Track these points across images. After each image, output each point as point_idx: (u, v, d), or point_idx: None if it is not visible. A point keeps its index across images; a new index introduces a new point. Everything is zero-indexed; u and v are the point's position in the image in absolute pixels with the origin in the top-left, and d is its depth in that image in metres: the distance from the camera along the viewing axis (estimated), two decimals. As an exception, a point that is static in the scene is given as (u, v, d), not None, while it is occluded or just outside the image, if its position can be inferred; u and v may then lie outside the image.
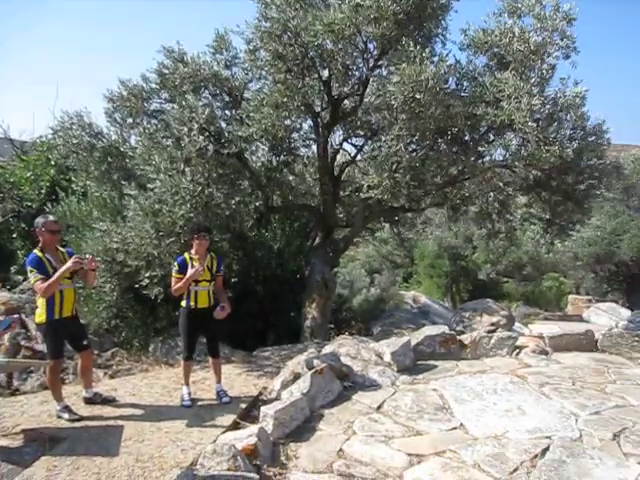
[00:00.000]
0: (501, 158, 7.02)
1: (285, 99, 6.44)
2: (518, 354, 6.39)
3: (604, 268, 19.03)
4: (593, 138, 7.14)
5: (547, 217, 7.59)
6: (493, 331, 6.94)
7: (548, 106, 6.72)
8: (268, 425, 4.07)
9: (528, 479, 3.49)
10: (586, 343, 6.70)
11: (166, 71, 7.31)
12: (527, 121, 5.75)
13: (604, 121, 7.21)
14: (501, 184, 7.07)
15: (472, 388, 5.20)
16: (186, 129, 6.38)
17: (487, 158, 6.94)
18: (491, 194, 7.49)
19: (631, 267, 18.08)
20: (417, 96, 5.78)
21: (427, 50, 6.09)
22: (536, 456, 3.81)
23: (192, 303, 5.12)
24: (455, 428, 4.35)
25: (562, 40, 6.64)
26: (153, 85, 7.52)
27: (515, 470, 3.62)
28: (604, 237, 17.96)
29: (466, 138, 6.79)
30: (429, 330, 6.51)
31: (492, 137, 6.72)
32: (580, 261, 19.06)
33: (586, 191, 7.25)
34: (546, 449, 3.91)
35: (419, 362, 6.02)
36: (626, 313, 13.71)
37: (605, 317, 14.90)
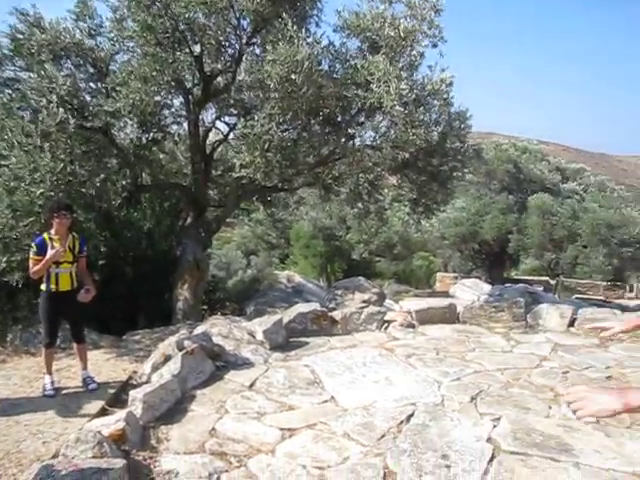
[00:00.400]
0: (371, 140, 7.24)
1: (154, 73, 6.19)
2: (387, 328, 6.69)
3: (469, 247, 20.30)
4: (457, 123, 7.56)
5: (414, 197, 7.95)
6: (364, 308, 7.20)
7: (416, 91, 7.00)
8: (137, 409, 3.95)
9: (394, 443, 3.66)
10: (449, 316, 7.15)
11: (20, 36, 6.73)
12: (395, 104, 5.96)
13: (467, 108, 7.65)
14: (371, 165, 7.30)
15: (342, 362, 5.37)
16: (45, 101, 5.94)
17: (358, 139, 7.13)
18: (361, 175, 7.70)
19: (492, 246, 19.43)
20: (292, 76, 5.80)
21: (303, 31, 6.12)
22: (402, 422, 4.02)
23: (53, 286, 4.81)
24: (326, 401, 4.47)
25: (430, 29, 6.92)
26: (5, 51, 6.90)
27: (382, 436, 3.79)
28: (469, 218, 19.11)
29: (338, 119, 6.92)
30: (301, 308, 6.61)
31: (362, 119, 6.90)
32: (447, 240, 20.17)
33: (450, 173, 7.68)
34: (411, 415, 4.14)
35: (291, 339, 6.11)
36: (487, 288, 14.69)
37: (469, 292, 15.85)
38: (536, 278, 21.55)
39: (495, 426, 3.99)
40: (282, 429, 3.91)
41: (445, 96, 7.28)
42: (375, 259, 21.73)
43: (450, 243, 20.47)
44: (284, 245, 22.58)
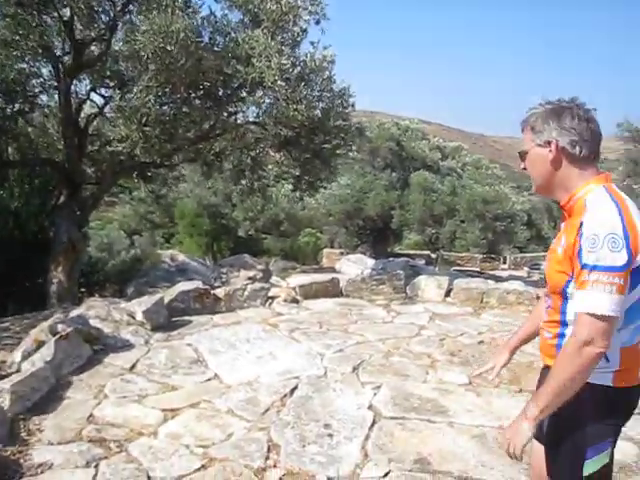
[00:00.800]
0: (254, 116, 7.17)
1: (17, 37, 5.71)
2: (271, 304, 6.72)
3: (354, 223, 20.79)
4: (340, 101, 7.64)
5: (297, 174, 7.99)
6: (249, 285, 7.18)
7: (299, 67, 7.02)
8: (5, 401, 3.68)
9: (278, 417, 3.71)
10: (332, 290, 7.30)
11: None
12: (277, 80, 5.93)
13: (349, 86, 7.74)
14: (253, 141, 7.23)
15: (226, 339, 5.33)
16: None
17: (240, 115, 7.03)
18: (244, 151, 7.62)
19: (376, 222, 20.03)
20: (168, 47, 5.57)
21: (179, 0, 5.89)
22: (285, 396, 4.07)
23: None
24: (210, 379, 4.42)
25: (312, 6, 6.91)
26: None
27: (267, 410, 3.81)
28: (353, 195, 19.55)
29: (219, 94, 6.77)
30: (183, 286, 6.46)
31: (244, 94, 6.80)
32: (332, 217, 20.55)
33: (332, 150, 7.77)
34: (295, 388, 4.20)
35: (174, 318, 5.96)
36: (371, 262, 15.17)
37: (354, 267, 16.25)
38: (418, 252, 22.53)
39: (376, 394, 4.15)
40: (164, 410, 3.82)
41: (327, 73, 7.33)
42: (262, 236, 21.69)
43: (336, 219, 20.85)
44: (169, 224, 21.94)
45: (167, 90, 6.33)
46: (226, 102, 6.79)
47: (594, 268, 1.59)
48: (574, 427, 1.80)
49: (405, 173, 19.04)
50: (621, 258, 1.57)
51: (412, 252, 23.28)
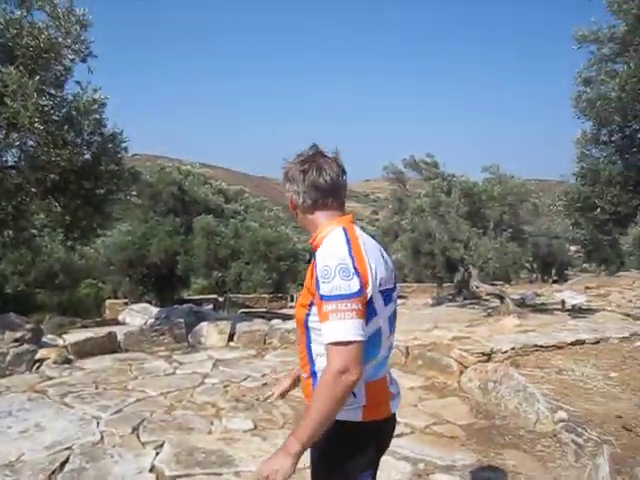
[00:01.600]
0: (14, 160, 6.49)
1: None
2: (39, 368, 6.05)
3: (137, 271, 19.85)
4: (111, 145, 7.30)
5: (67, 222, 7.39)
6: (12, 348, 6.41)
7: (64, 110, 6.57)
8: None
9: (45, 498, 3.29)
10: (110, 345, 6.83)
11: None
12: (35, 122, 5.46)
13: (122, 130, 7.44)
14: (13, 188, 6.52)
15: (-18, 415, 4.65)
16: None
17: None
18: (4, 199, 6.82)
19: (161, 268, 19.36)
20: None
21: None
22: (54, 472, 3.65)
23: None
24: (-45, 468, 3.80)
25: (76, 44, 6.55)
26: None
27: (30, 494, 3.37)
28: (135, 242, 18.71)
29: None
30: None
31: (1, 136, 6.13)
32: (114, 266, 19.45)
33: (105, 196, 7.35)
34: (65, 461, 3.80)
35: None
36: (156, 311, 14.62)
37: (139, 317, 15.56)
38: (206, 297, 22.29)
39: (158, 453, 3.94)
40: None
41: (97, 116, 6.97)
42: (35, 291, 19.68)
43: (117, 268, 19.77)
44: None
45: None
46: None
47: (330, 298, 1.64)
48: (335, 465, 1.84)
49: (188, 217, 18.76)
50: (354, 285, 1.65)
51: (200, 297, 22.96)
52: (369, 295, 1.72)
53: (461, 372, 5.60)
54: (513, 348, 5.87)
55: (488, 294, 19.91)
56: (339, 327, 1.62)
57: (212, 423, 4.55)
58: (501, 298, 17.92)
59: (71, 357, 6.35)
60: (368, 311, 1.71)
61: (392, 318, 1.90)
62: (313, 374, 1.87)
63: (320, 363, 1.80)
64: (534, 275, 35.28)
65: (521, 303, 18.74)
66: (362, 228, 1.99)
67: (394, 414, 1.98)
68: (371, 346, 1.77)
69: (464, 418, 4.71)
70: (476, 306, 19.65)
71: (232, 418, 4.62)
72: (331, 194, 1.91)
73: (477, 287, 18.81)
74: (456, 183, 17.56)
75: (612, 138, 8.15)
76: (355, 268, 1.68)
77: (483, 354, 5.73)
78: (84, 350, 6.53)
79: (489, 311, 17.75)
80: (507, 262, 19.33)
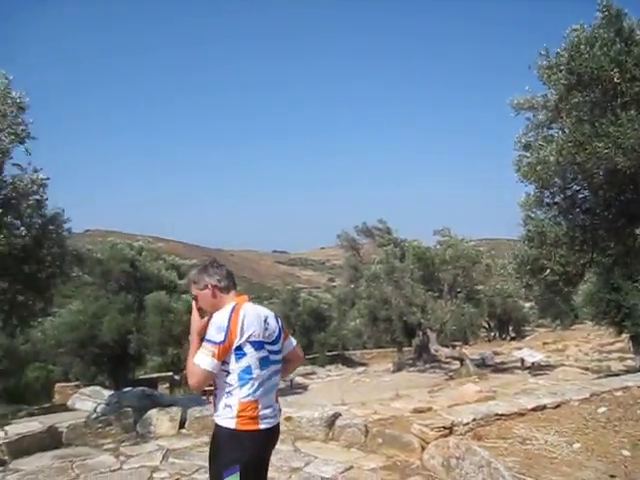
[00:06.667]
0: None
1: None
2: (-32, 473, 5.54)
3: (89, 351, 19.12)
4: (53, 227, 7.09)
5: (6, 308, 7.04)
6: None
7: (4, 192, 6.39)
8: None
9: None
10: (50, 441, 6.29)
11: None
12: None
13: (63, 210, 7.26)
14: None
15: None
16: None
17: None
18: None
19: (114, 348, 18.71)
20: None
21: None
22: None
23: None
24: None
25: (12, 126, 6.41)
26: None
27: None
28: (86, 321, 18.11)
29: None
30: None
31: None
32: (64, 347, 18.69)
33: (47, 279, 7.07)
34: None
35: None
36: (107, 394, 13.96)
37: (90, 402, 14.81)
38: (162, 374, 21.51)
39: None
40: None
41: (38, 198, 6.79)
42: (-23, 380, 18.61)
43: (68, 349, 19.00)
44: None
45: None
46: None
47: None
48: (215, 456, 2.81)
49: (141, 294, 18.30)
50: (220, 337, 2.68)
51: (156, 375, 22.15)
52: (236, 345, 2.71)
53: (423, 448, 5.37)
54: (474, 419, 5.69)
55: (447, 357, 19.90)
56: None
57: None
58: (461, 360, 17.93)
59: (5, 458, 5.78)
60: (237, 354, 2.72)
61: (264, 359, 2.79)
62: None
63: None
64: (492, 334, 35.56)
65: (481, 364, 18.77)
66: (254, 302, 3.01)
67: (272, 430, 2.84)
68: (244, 375, 2.73)
69: (428, 500, 4.49)
70: (437, 370, 19.55)
71: (182, 518, 4.27)
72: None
73: (436, 351, 18.79)
74: (409, 248, 17.81)
75: (555, 200, 8.38)
76: (227, 327, 2.71)
77: (444, 428, 5.53)
78: (21, 449, 5.97)
79: (450, 374, 17.67)
80: (464, 323, 19.49)
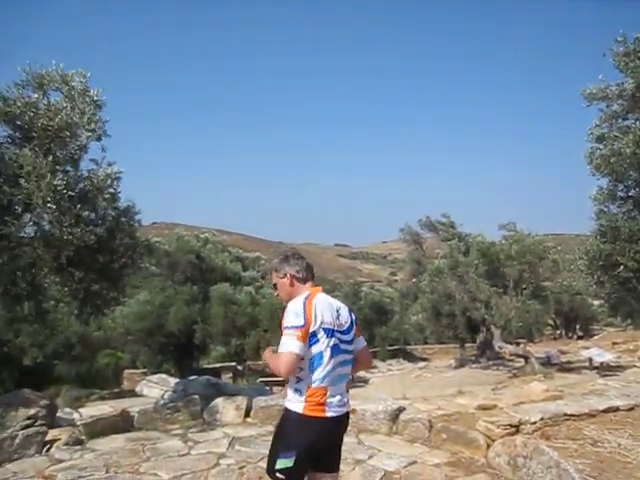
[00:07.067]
0: (29, 237, 6.50)
1: None
2: (49, 450, 5.83)
3: (155, 341, 19.76)
4: (125, 219, 7.33)
5: (81, 297, 7.35)
6: (30, 425, 6.24)
7: (79, 186, 6.63)
8: None
9: None
10: (122, 424, 6.58)
11: None
12: (48, 201, 5.49)
13: (134, 204, 7.48)
14: (28, 264, 6.52)
15: (-13, 506, 4.46)
16: None
17: (13, 236, 6.29)
18: (19, 275, 6.82)
19: (179, 337, 19.26)
20: None
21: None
22: None
23: None
24: None
25: (90, 123, 6.65)
26: None
27: None
28: (153, 311, 18.70)
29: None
30: None
31: (15, 215, 6.16)
32: (132, 335, 19.38)
33: (120, 270, 7.32)
34: None
35: None
36: (174, 382, 14.39)
37: (157, 389, 15.34)
38: (225, 364, 21.99)
39: None
40: None
41: (112, 191, 7.02)
42: (53, 362, 19.51)
43: (136, 338, 19.70)
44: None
45: None
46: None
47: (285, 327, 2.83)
48: (277, 438, 2.96)
49: (206, 286, 18.75)
50: (299, 321, 2.80)
51: (219, 365, 22.66)
52: (310, 332, 2.83)
53: (488, 446, 5.30)
54: (542, 418, 5.55)
55: (512, 354, 19.44)
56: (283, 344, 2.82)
57: (226, 509, 4.31)
58: (526, 358, 17.48)
59: (82, 438, 6.11)
60: (312, 338, 2.84)
61: (335, 347, 2.90)
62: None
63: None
64: (558, 332, 34.49)
65: (546, 362, 18.24)
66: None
67: (339, 419, 2.93)
68: (314, 363, 2.85)
69: (494, 498, 4.42)
70: (500, 367, 19.13)
71: (248, 503, 4.37)
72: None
73: (500, 348, 18.38)
74: (473, 243, 17.47)
75: (629, 194, 8.04)
76: (304, 312, 2.84)
77: (511, 426, 5.43)
78: (96, 430, 6.30)
79: (514, 372, 17.25)
80: (529, 320, 18.97)
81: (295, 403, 2.86)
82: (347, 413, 3.02)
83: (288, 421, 2.89)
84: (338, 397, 2.90)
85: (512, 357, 19.68)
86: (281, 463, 2.81)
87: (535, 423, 5.50)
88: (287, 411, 2.90)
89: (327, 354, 2.85)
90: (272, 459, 2.88)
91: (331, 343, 2.87)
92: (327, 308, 2.94)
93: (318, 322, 2.84)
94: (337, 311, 3.00)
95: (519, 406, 6.35)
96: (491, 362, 20.15)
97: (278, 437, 2.95)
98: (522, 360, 18.03)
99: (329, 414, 2.85)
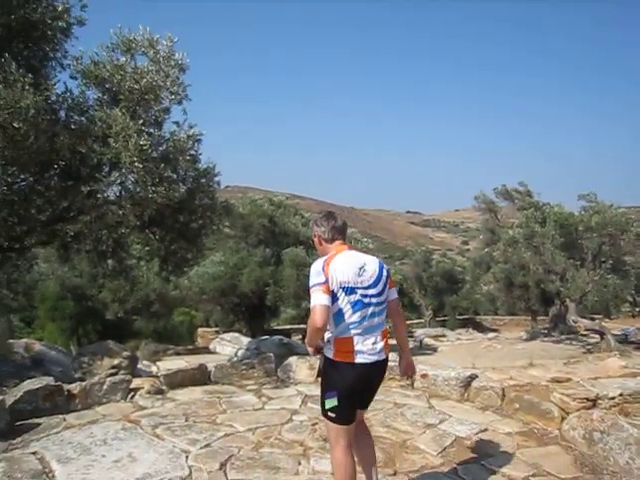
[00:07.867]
0: (115, 196, 6.80)
1: None
2: (133, 397, 6.20)
3: (229, 301, 20.31)
4: (205, 180, 7.52)
5: (162, 255, 7.66)
6: (114, 374, 6.65)
7: (162, 147, 6.83)
8: None
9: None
10: (200, 377, 6.90)
11: None
12: (135, 161, 5.70)
13: (215, 165, 7.65)
14: (114, 222, 6.84)
15: (80, 443, 4.79)
16: None
17: (100, 195, 6.62)
18: (105, 232, 7.19)
19: (251, 298, 19.72)
20: (15, 124, 5.20)
21: (30, 75, 5.52)
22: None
23: None
24: (55, 494, 3.92)
25: (174, 86, 6.80)
26: None
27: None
28: (227, 272, 19.18)
29: (80, 172, 6.34)
30: (30, 384, 5.72)
31: (104, 174, 6.45)
32: (206, 295, 19.98)
33: (199, 230, 7.57)
34: (153, 496, 3.82)
35: (19, 422, 5.28)
36: (246, 341, 14.86)
37: (229, 347, 15.92)
38: (295, 327, 22.43)
39: (244, 493, 3.88)
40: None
41: (193, 152, 7.20)
42: (133, 318, 20.49)
43: (210, 297, 20.31)
44: (26, 308, 20.03)
45: (15, 169, 5.88)
46: (85, 181, 6.37)
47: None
48: (322, 381, 3.35)
49: (279, 249, 19.01)
50: (321, 278, 3.11)
51: (289, 327, 23.13)
52: (331, 288, 3.10)
53: (562, 419, 5.21)
54: (621, 394, 5.38)
55: (587, 329, 18.79)
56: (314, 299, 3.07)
57: (299, 463, 4.45)
58: (601, 334, 16.87)
59: (163, 388, 6.47)
60: (333, 297, 3.11)
61: (358, 302, 3.16)
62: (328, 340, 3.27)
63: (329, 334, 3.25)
64: (637, 309, 33.05)
65: (623, 340, 17.57)
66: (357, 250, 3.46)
67: (372, 365, 3.18)
68: (338, 317, 3.15)
69: (567, 471, 4.36)
70: (573, 342, 18.57)
71: (320, 459, 4.49)
72: (339, 232, 3.42)
73: (575, 322, 17.79)
74: (550, 213, 16.84)
75: None
76: (322, 269, 3.14)
77: (587, 400, 5.30)
78: (175, 381, 6.64)
79: (588, 347, 16.72)
80: (607, 295, 18.20)
81: (328, 351, 3.23)
82: (383, 360, 3.28)
83: (326, 366, 3.27)
84: (368, 346, 3.18)
85: (587, 332, 19.05)
86: (329, 403, 3.19)
87: (614, 398, 5.35)
88: (325, 358, 3.27)
89: (348, 310, 3.14)
90: (322, 402, 3.26)
91: (352, 300, 3.15)
92: (347, 267, 3.18)
93: (336, 282, 3.11)
94: (361, 267, 3.22)
95: (597, 380, 6.19)
96: (564, 336, 19.60)
97: (323, 381, 3.34)
98: (597, 336, 17.43)
99: (359, 360, 3.14)
